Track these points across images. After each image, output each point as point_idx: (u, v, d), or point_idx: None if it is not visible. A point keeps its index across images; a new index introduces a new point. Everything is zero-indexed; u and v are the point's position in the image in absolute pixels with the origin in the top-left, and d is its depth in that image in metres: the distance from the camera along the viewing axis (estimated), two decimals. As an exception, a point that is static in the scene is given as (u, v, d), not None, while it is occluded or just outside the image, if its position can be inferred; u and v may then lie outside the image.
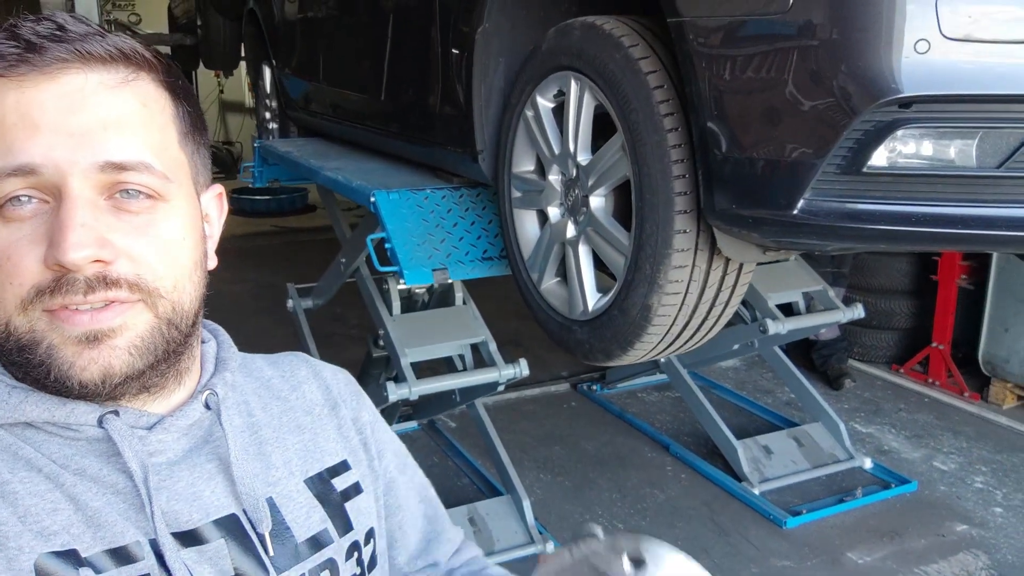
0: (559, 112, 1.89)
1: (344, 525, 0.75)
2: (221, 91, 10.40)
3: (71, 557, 0.59)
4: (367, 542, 0.77)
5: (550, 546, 2.54)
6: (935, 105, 1.29)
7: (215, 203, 0.75)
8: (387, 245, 2.16)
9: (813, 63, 1.34)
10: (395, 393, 2.25)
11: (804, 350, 4.10)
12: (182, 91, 0.69)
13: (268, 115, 3.85)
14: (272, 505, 0.70)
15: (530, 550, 2.52)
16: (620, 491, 3.12)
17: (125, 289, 0.61)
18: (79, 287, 0.59)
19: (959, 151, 1.33)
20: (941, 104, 1.29)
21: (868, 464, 3.21)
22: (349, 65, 2.93)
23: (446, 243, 2.20)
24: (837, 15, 1.32)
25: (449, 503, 2.36)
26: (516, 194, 2.04)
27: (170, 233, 0.64)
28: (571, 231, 1.88)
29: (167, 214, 0.64)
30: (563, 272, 1.95)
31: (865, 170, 1.34)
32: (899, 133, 1.32)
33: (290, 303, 3.24)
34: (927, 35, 1.27)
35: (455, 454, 3.24)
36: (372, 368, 3.00)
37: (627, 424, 3.64)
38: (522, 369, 2.38)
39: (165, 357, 0.65)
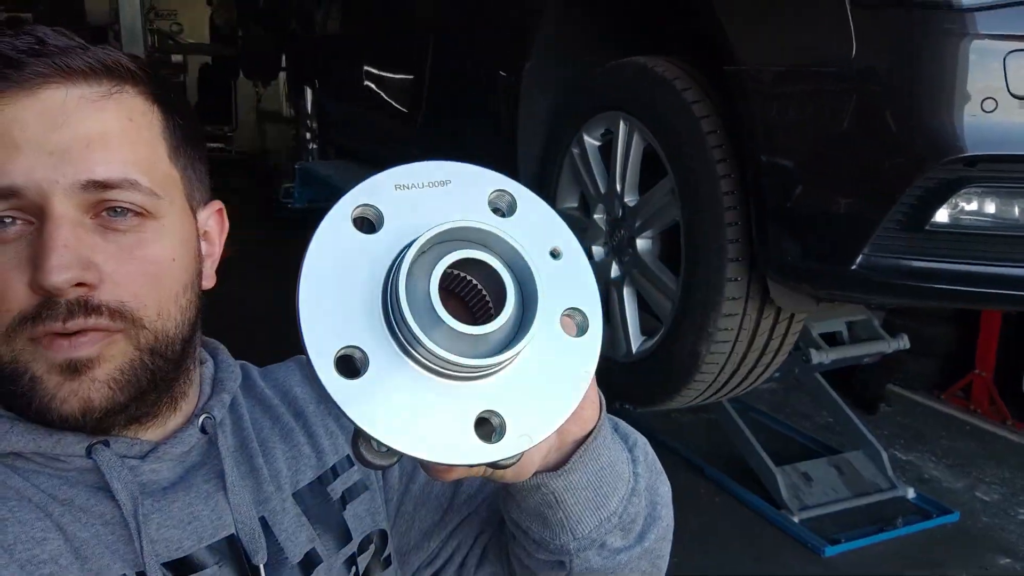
0: (605, 151, 1.87)
1: (338, 538, 0.72)
2: (259, 101, 10.49)
3: None
4: (363, 549, 0.74)
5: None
6: (1001, 164, 1.26)
7: (214, 219, 0.71)
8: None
9: (876, 117, 1.31)
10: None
11: (842, 369, 4.04)
12: (173, 103, 0.66)
13: (308, 135, 3.87)
14: (265, 525, 0.68)
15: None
16: None
17: (106, 317, 0.59)
18: (59, 312, 0.57)
19: (1021, 215, 1.30)
20: (1007, 164, 1.26)
21: (911, 494, 3.14)
22: (387, 91, 2.94)
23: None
24: (902, 69, 1.29)
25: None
26: (560, 230, 2.02)
27: (159, 254, 0.62)
28: (615, 271, 1.86)
29: (157, 233, 0.61)
30: (605, 311, 1.93)
31: (927, 227, 1.32)
32: (963, 191, 1.29)
33: None
34: (994, 93, 1.24)
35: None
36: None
37: (659, 445, 3.59)
38: None
39: (152, 387, 0.62)
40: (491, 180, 0.47)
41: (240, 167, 9.95)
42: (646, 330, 1.82)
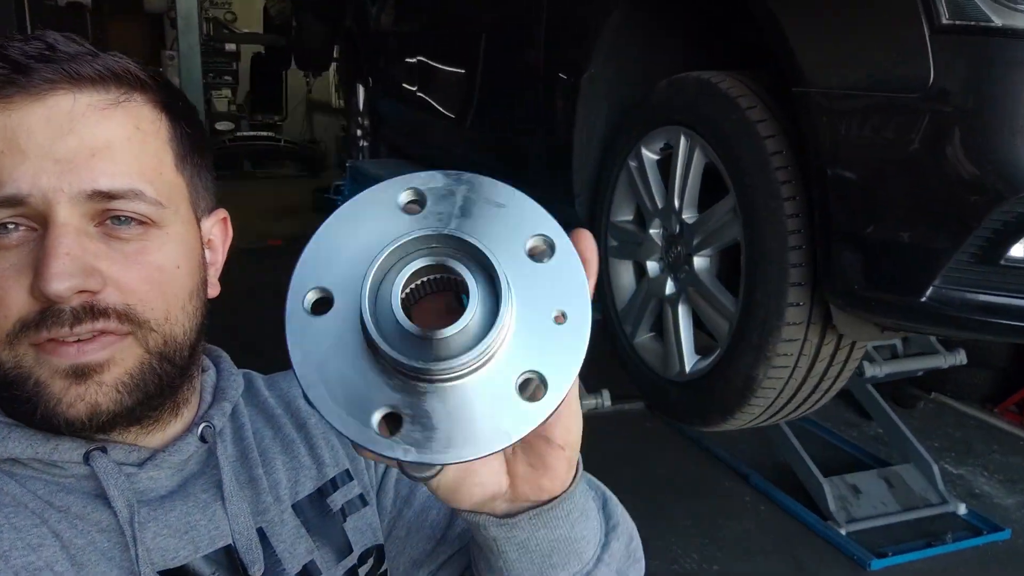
0: (664, 164, 1.84)
1: (338, 551, 0.71)
2: (309, 91, 10.58)
3: None
4: (364, 561, 0.73)
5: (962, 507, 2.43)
6: (1086, 199, 1.21)
7: (219, 228, 0.71)
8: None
9: (953, 145, 1.27)
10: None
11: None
12: (181, 112, 0.65)
13: (360, 132, 3.88)
14: (263, 536, 0.67)
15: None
16: (694, 519, 3.05)
17: (114, 319, 0.58)
18: (65, 319, 0.57)
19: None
20: (1093, 199, 1.21)
21: (962, 510, 3.07)
22: (437, 90, 2.93)
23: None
24: (981, 98, 1.24)
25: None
26: (612, 243, 2.00)
27: (163, 261, 0.61)
28: (670, 288, 1.83)
29: (161, 241, 0.61)
30: (658, 327, 1.91)
31: (1003, 262, 1.27)
32: (1043, 225, 1.24)
33: None
34: (1082, 125, 1.19)
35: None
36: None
37: (703, 450, 3.56)
38: (604, 400, 2.35)
39: (159, 392, 0.62)
40: (536, 219, 0.46)
41: (289, 157, 10.06)
42: (700, 349, 1.80)
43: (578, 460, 0.55)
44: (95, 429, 0.60)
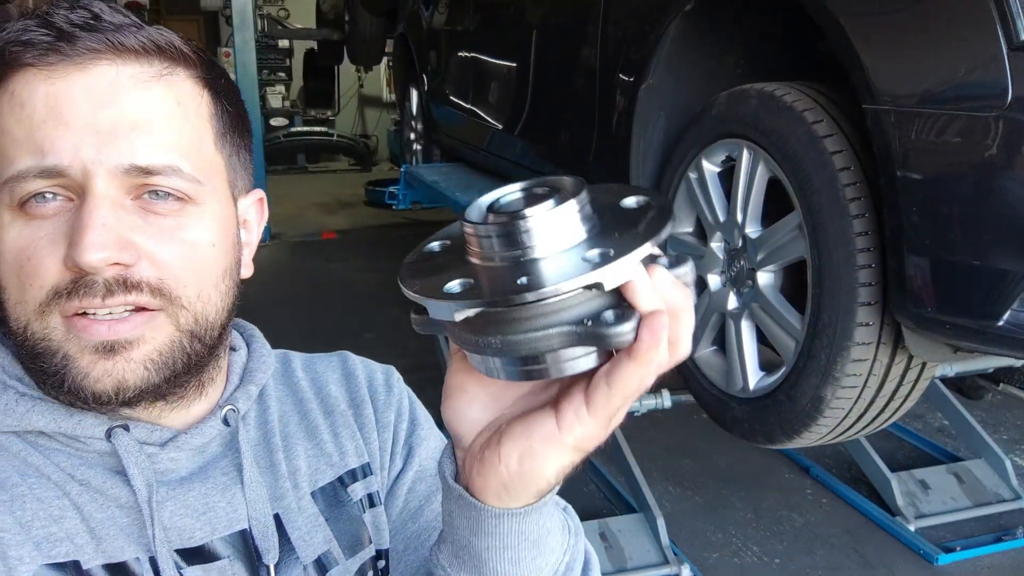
0: (726, 176, 1.81)
1: (355, 542, 0.71)
2: (361, 86, 10.68)
3: (70, 569, 0.58)
4: (380, 557, 0.73)
5: (685, 570, 2.43)
6: None
7: (255, 208, 0.71)
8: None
9: (1033, 167, 1.22)
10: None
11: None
12: (223, 89, 0.65)
13: (413, 136, 3.90)
14: (279, 523, 0.67)
15: (664, 571, 2.45)
16: (755, 512, 3.00)
17: (147, 294, 0.58)
18: (97, 290, 0.56)
19: None
20: None
21: None
22: (494, 97, 2.92)
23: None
24: (1065, 117, 1.19)
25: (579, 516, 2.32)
26: (672, 254, 1.97)
27: (198, 238, 0.61)
28: (733, 303, 1.80)
29: (197, 218, 0.61)
30: (720, 340, 1.88)
31: (1086, 286, 1.22)
32: None
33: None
34: None
35: (591, 467, 3.11)
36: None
37: (766, 443, 3.50)
38: (664, 401, 2.34)
39: (186, 370, 0.62)
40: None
41: (342, 151, 10.19)
42: (765, 364, 1.77)
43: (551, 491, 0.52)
44: (121, 404, 0.60)
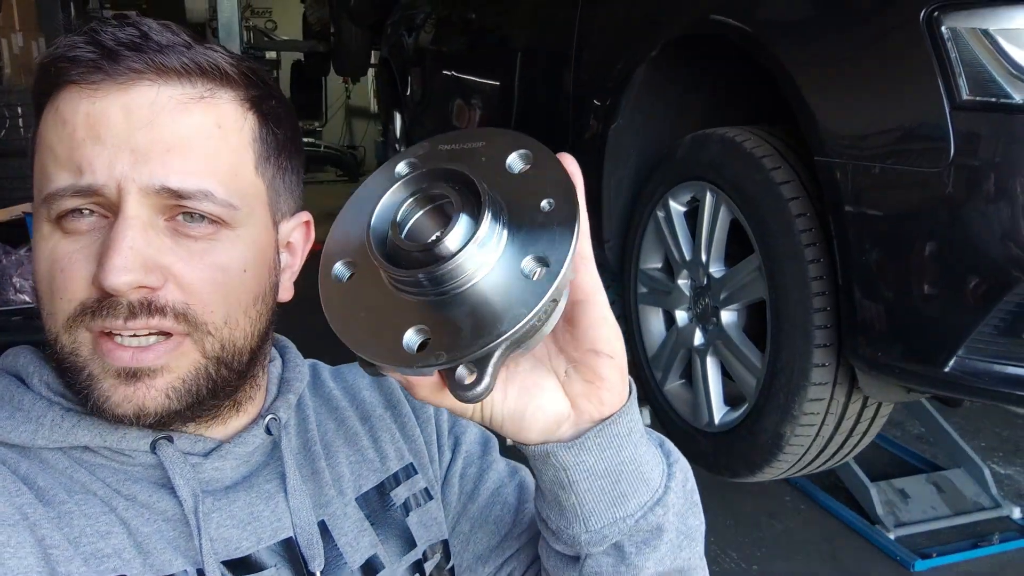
0: (691, 216, 1.87)
1: (402, 544, 0.71)
2: (348, 97, 10.72)
3: None
4: (429, 557, 0.72)
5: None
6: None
7: (300, 231, 0.70)
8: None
9: (973, 222, 1.28)
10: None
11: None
12: (271, 111, 0.64)
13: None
14: (324, 529, 0.67)
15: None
16: (735, 517, 3.03)
17: (171, 318, 0.58)
18: (120, 311, 0.57)
19: None
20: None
21: (1017, 514, 2.97)
22: (474, 127, 2.97)
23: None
24: (1001, 177, 1.25)
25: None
26: (642, 289, 2.03)
27: (229, 263, 0.60)
28: (699, 338, 1.86)
29: (230, 242, 0.60)
30: (689, 374, 1.93)
31: (1025, 336, 1.28)
32: (1065, 301, 1.25)
33: None
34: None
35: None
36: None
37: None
38: (644, 419, 2.37)
39: (212, 395, 0.62)
40: (514, 142, 0.50)
41: (329, 161, 10.21)
42: (730, 398, 1.82)
43: (630, 380, 0.57)
44: (144, 426, 0.60)
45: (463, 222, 0.45)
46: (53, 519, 0.58)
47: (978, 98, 1.27)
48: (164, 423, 0.60)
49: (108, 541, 0.59)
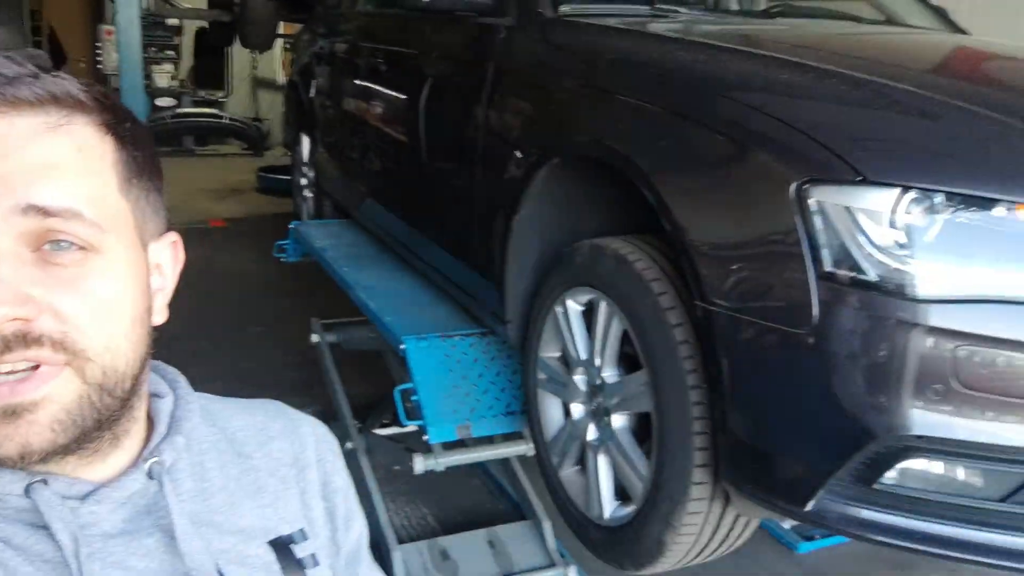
0: (590, 314, 1.95)
1: None
2: (255, 68, 10.37)
3: None
4: None
5: (572, 571, 2.36)
6: (946, 444, 1.36)
7: (168, 252, 0.70)
8: (413, 398, 2.24)
9: (833, 383, 1.40)
10: (422, 465, 2.22)
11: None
12: (129, 134, 0.64)
13: (304, 182, 3.88)
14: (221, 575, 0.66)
15: (550, 573, 2.36)
16: None
17: (48, 348, 0.57)
18: None
19: (965, 481, 1.40)
20: (951, 445, 1.35)
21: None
22: (380, 172, 2.97)
23: (471, 396, 2.28)
24: (859, 346, 1.37)
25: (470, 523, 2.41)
26: (541, 376, 2.11)
27: (103, 289, 0.59)
28: (592, 434, 1.96)
29: (101, 268, 0.60)
30: (584, 462, 2.03)
31: (876, 485, 1.42)
32: (910, 459, 1.39)
33: (314, 337, 2.99)
34: (943, 382, 1.32)
35: (483, 471, 2.91)
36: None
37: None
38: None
39: (96, 426, 0.61)
40: None
41: (233, 134, 9.87)
42: (621, 493, 1.93)
43: None
44: (27, 465, 0.59)
45: None
46: None
47: (839, 271, 1.38)
48: (47, 459, 0.59)
49: None
